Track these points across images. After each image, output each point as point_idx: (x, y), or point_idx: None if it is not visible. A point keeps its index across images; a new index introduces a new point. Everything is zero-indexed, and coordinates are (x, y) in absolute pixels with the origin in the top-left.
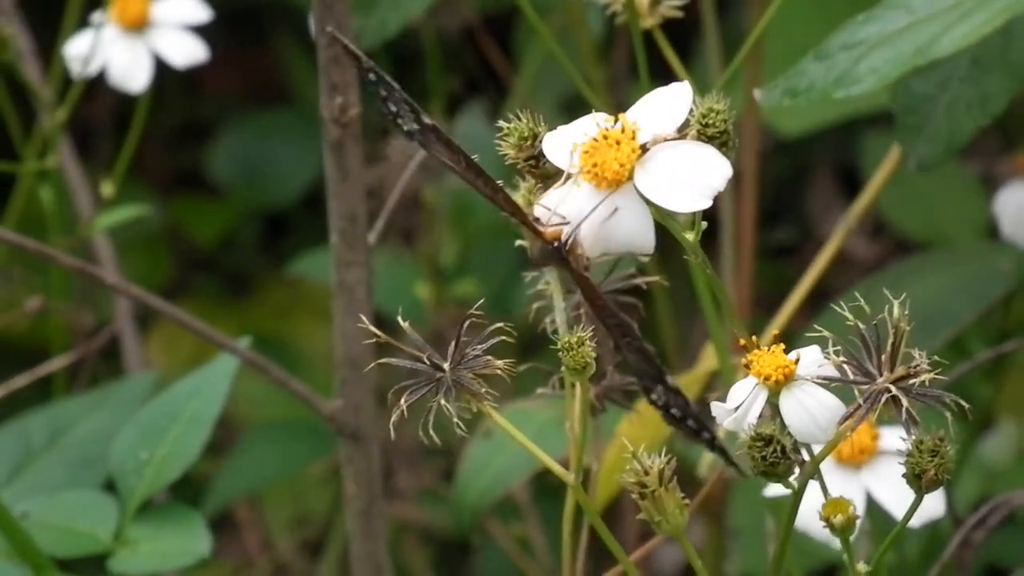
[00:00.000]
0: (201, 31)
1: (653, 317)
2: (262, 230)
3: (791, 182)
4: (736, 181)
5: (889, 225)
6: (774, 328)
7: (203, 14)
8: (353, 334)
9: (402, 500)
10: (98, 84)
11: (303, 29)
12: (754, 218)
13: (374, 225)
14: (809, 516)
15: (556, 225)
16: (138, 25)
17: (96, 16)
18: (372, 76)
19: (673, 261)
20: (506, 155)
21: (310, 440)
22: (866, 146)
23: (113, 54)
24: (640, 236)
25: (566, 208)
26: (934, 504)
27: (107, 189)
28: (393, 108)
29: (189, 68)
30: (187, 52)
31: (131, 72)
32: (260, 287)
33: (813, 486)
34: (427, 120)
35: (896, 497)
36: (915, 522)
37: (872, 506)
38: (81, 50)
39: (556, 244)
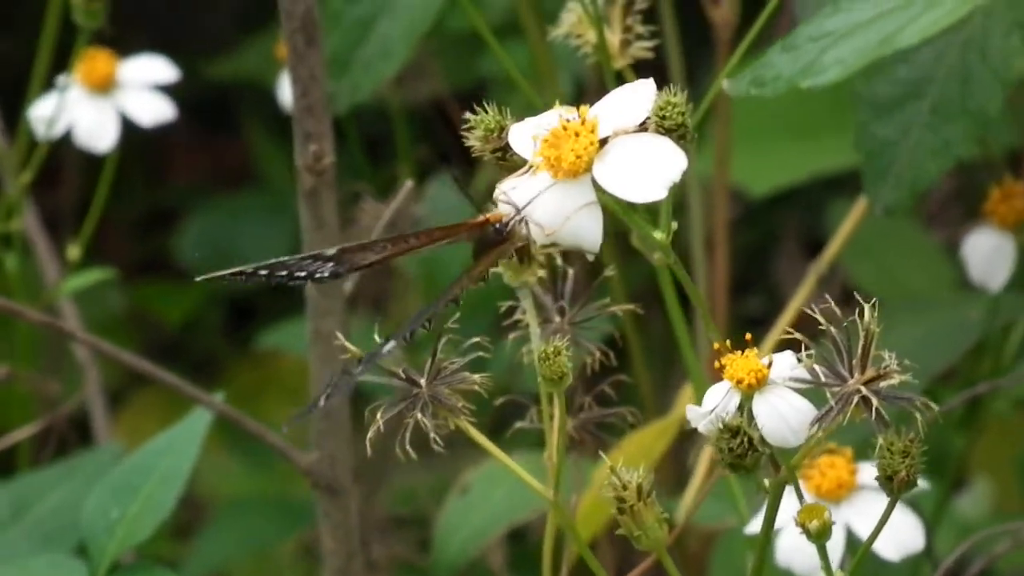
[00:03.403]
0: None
1: (628, 365)
2: (228, 315)
3: (759, 252)
4: (708, 249)
5: (858, 293)
6: None
7: (170, 73)
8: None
9: (378, 573)
10: (63, 170)
11: (269, 112)
12: (726, 286)
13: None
14: (791, 551)
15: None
16: (104, 86)
17: (62, 78)
18: (262, 272)
19: (649, 313)
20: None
21: (280, 518)
22: (832, 213)
23: (79, 115)
24: (588, 230)
25: (519, 194)
26: (913, 537)
27: (73, 253)
28: (302, 274)
29: (154, 156)
30: (154, 111)
31: (98, 132)
32: (227, 371)
33: (791, 526)
34: (331, 250)
35: None
36: (894, 554)
37: (852, 543)
38: (46, 112)
39: (497, 226)
